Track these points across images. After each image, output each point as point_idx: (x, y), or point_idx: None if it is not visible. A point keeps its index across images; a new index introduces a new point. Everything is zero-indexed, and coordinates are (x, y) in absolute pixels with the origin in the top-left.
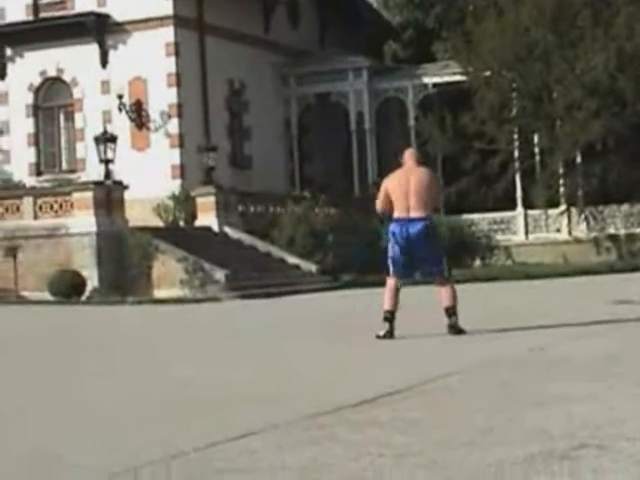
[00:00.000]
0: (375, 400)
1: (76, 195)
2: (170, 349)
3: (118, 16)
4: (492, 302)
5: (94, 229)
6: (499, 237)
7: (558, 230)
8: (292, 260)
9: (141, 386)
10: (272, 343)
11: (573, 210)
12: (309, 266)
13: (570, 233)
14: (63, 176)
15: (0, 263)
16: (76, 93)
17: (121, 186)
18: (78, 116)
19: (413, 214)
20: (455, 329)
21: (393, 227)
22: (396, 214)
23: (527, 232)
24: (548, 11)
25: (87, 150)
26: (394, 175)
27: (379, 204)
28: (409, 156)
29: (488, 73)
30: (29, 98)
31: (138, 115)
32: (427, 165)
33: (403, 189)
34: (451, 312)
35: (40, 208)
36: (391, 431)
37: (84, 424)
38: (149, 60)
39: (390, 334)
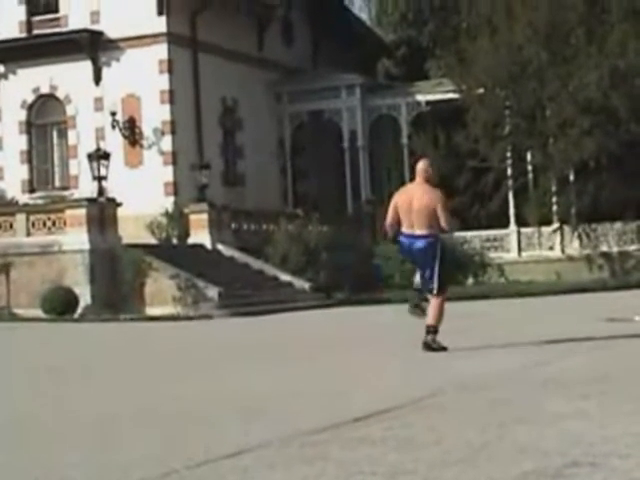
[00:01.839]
0: (369, 417)
1: (69, 212)
2: (164, 366)
3: (111, 33)
4: (485, 319)
5: (87, 246)
6: (492, 255)
7: (551, 248)
8: (285, 277)
9: (134, 402)
10: (267, 360)
11: (566, 228)
12: (302, 283)
13: (563, 251)
14: (56, 193)
15: None
16: (69, 110)
17: (114, 203)
18: (71, 133)
19: (417, 231)
20: (429, 347)
21: (401, 239)
22: (403, 228)
23: (520, 250)
24: (542, 29)
25: (80, 167)
26: (403, 190)
27: (388, 219)
28: (420, 171)
29: (481, 91)
30: (22, 115)
31: (131, 132)
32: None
33: (407, 206)
34: (431, 330)
35: (33, 225)
36: (384, 449)
37: (77, 437)
38: (142, 77)
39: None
